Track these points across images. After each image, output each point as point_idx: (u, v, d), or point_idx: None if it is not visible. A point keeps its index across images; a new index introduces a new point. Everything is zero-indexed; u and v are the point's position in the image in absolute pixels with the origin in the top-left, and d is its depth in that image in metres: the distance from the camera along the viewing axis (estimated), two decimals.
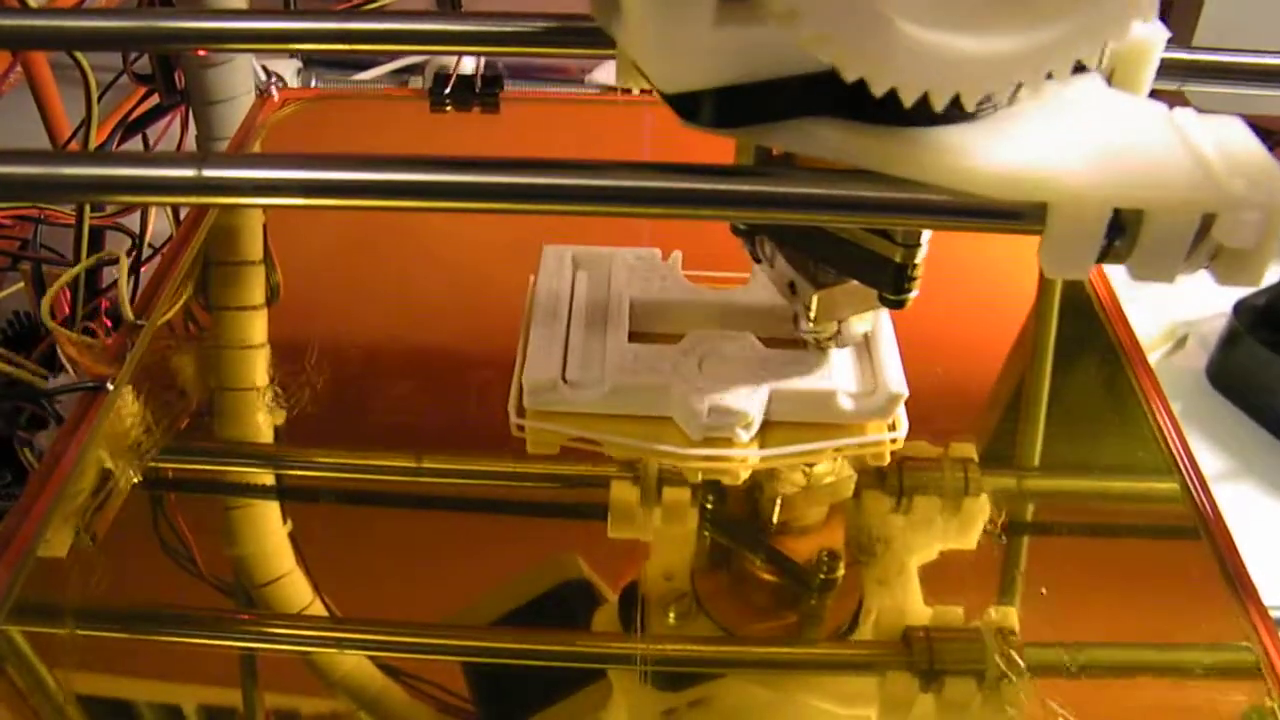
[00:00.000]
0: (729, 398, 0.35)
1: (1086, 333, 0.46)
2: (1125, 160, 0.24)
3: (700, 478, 0.37)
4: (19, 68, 0.67)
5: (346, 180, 0.23)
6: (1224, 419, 0.69)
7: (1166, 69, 0.32)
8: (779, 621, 0.35)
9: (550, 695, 0.32)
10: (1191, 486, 0.38)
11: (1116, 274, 0.47)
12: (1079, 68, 0.24)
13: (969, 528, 0.37)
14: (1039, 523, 0.39)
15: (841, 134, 0.25)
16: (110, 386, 0.39)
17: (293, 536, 0.37)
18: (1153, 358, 0.43)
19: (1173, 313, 0.75)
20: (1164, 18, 0.28)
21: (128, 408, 0.39)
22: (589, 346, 0.38)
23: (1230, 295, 0.70)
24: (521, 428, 0.37)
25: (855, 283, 0.33)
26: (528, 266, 0.41)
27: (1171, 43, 0.30)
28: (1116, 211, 0.23)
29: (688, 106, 0.24)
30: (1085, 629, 0.34)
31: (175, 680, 0.33)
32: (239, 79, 0.64)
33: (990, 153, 0.24)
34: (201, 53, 0.61)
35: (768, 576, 0.36)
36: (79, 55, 0.55)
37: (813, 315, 0.35)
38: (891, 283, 0.31)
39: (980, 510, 0.37)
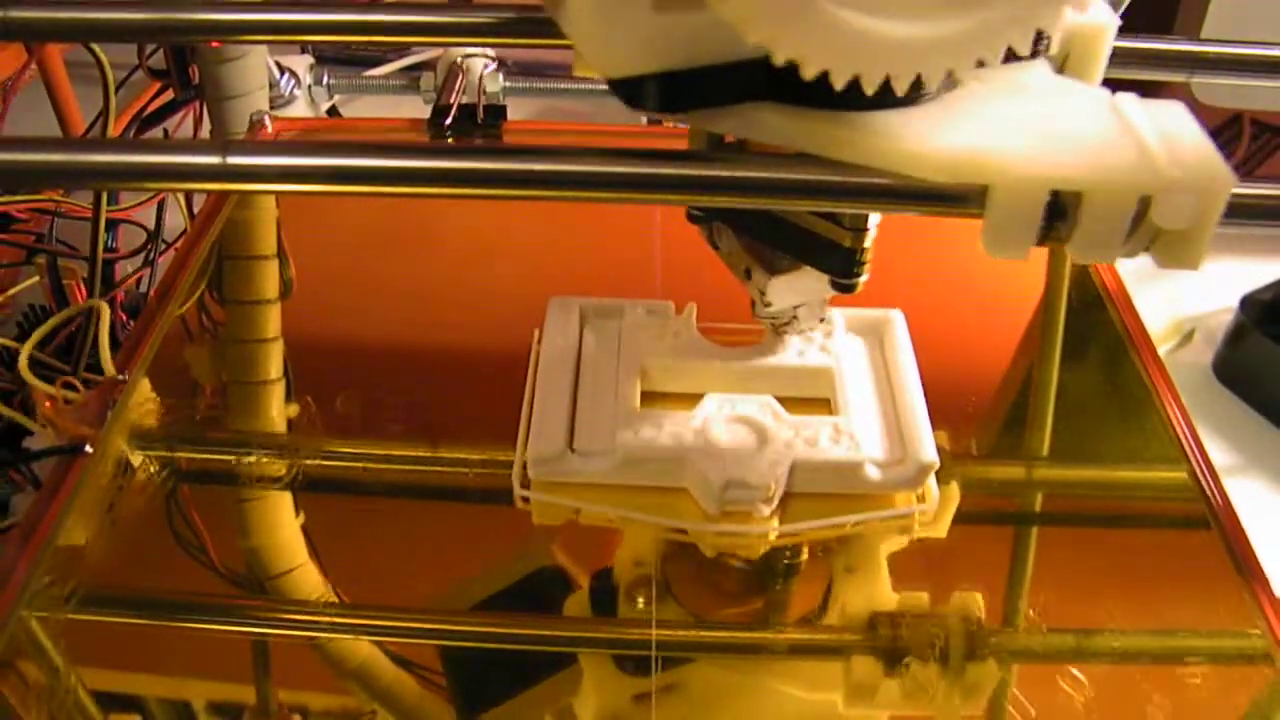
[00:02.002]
0: (748, 470, 0.34)
1: (1095, 324, 0.46)
2: (1064, 143, 0.24)
3: (715, 552, 0.35)
4: (33, 65, 0.67)
5: (370, 167, 0.23)
6: (1230, 413, 0.69)
7: (1173, 60, 0.33)
8: (747, 607, 0.35)
9: (521, 681, 0.32)
10: (1201, 476, 0.38)
11: (1124, 267, 0.47)
12: (1031, 54, 0.24)
13: (940, 516, 0.36)
14: (1049, 512, 0.40)
15: (783, 119, 0.25)
16: (89, 449, 0.37)
17: (305, 529, 0.37)
18: (1159, 353, 0.44)
19: (1178, 308, 0.75)
20: (1173, 9, 0.28)
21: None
22: (598, 412, 0.36)
23: (1236, 290, 0.70)
24: (526, 499, 0.35)
25: (808, 268, 0.33)
26: (541, 264, 0.42)
27: (1179, 34, 0.30)
28: (1056, 194, 0.23)
29: (632, 92, 0.24)
30: (1096, 617, 0.34)
31: (184, 674, 0.33)
32: (253, 74, 0.64)
33: (931, 136, 0.24)
34: (215, 44, 0.61)
35: (735, 562, 0.35)
36: (96, 48, 0.55)
37: (768, 301, 0.35)
38: (841, 267, 0.31)
39: (950, 498, 0.37)
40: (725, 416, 0.36)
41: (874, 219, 0.30)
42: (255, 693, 0.33)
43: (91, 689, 0.32)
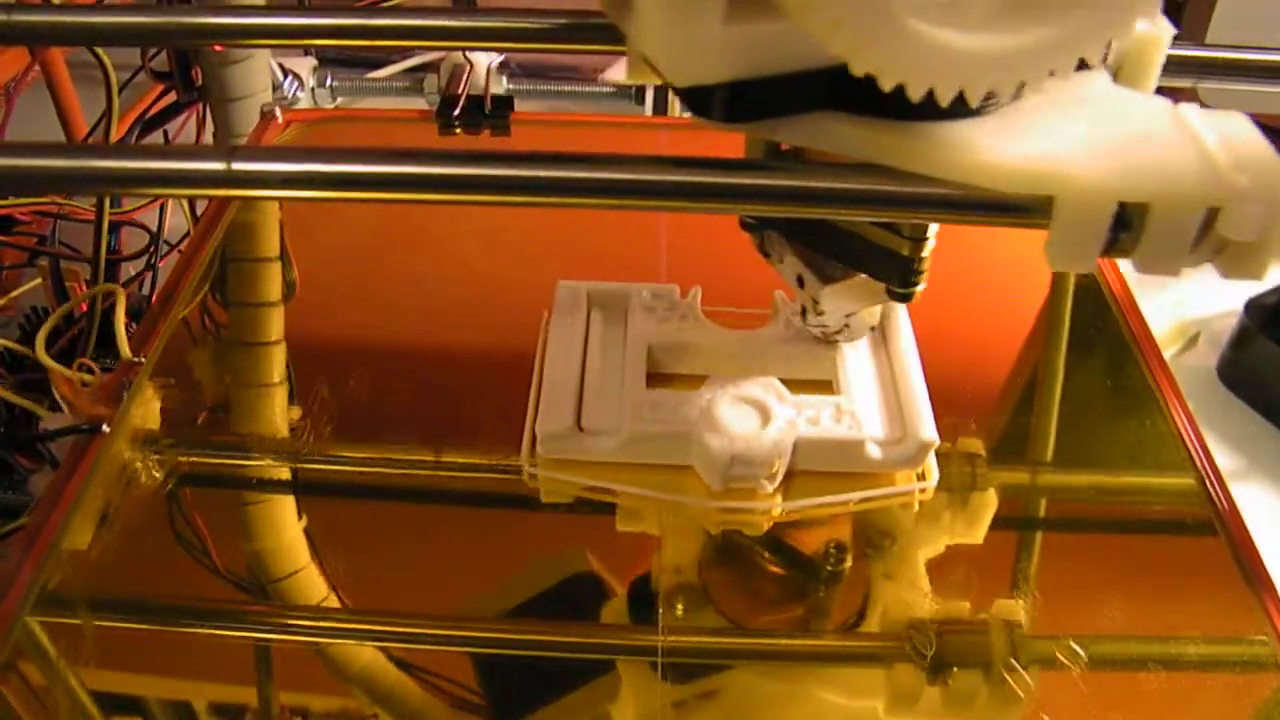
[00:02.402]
0: (752, 447, 0.34)
1: (1100, 327, 0.46)
2: (1131, 154, 0.24)
3: (720, 530, 0.36)
4: (36, 67, 0.67)
5: (374, 173, 0.23)
6: (1235, 417, 0.69)
7: (1179, 66, 0.32)
8: (786, 614, 0.35)
9: (559, 688, 0.32)
10: (1207, 481, 0.38)
11: (1128, 270, 0.47)
12: (1084, 64, 0.24)
13: (976, 522, 0.37)
14: (1054, 518, 0.40)
15: (850, 128, 0.25)
16: (106, 429, 0.38)
17: (308, 532, 0.37)
18: (1164, 356, 0.43)
19: (1183, 311, 0.75)
20: (1177, 15, 0.28)
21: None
22: (605, 392, 0.37)
23: (1241, 293, 0.70)
24: (534, 476, 0.36)
25: (863, 276, 0.33)
26: (544, 266, 0.42)
27: (1185, 40, 0.30)
28: (1122, 205, 0.23)
29: (699, 100, 0.24)
30: (1101, 623, 0.34)
31: (186, 678, 0.33)
32: (256, 76, 0.64)
33: (997, 147, 0.24)
34: (219, 48, 0.61)
35: (775, 569, 0.36)
36: (100, 51, 0.55)
37: (821, 309, 0.35)
38: (899, 276, 0.31)
39: (987, 505, 0.37)
40: (730, 396, 0.36)
41: (933, 228, 0.30)
42: (257, 696, 0.33)
43: (92, 691, 0.32)
